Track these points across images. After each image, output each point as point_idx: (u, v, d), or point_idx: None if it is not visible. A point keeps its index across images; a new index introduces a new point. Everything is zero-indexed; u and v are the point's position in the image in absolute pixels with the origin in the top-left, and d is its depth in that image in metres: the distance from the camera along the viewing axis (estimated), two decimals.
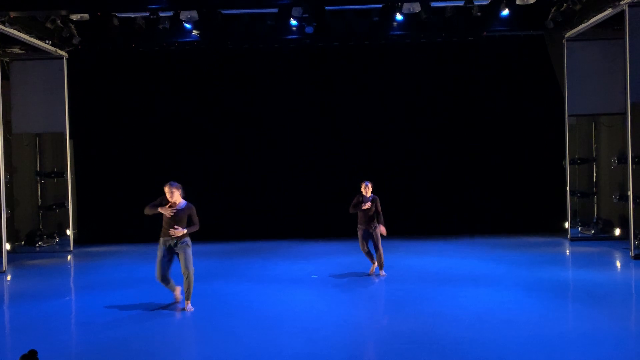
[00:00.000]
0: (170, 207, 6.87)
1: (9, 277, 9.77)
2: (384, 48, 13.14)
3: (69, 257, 11.91)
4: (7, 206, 10.56)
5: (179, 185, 7.05)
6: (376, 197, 8.79)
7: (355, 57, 13.22)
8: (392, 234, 12.63)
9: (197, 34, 12.47)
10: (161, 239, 7.02)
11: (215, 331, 6.23)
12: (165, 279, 7.09)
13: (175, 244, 6.94)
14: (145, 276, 9.02)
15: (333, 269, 9.60)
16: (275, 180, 13.33)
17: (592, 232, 12.28)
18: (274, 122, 13.31)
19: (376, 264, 8.88)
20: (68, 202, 12.92)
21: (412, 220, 13.08)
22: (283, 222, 13.23)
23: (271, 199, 13.29)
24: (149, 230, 12.63)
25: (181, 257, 6.95)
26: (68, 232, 12.89)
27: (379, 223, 8.71)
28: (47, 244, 12.98)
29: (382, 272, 8.82)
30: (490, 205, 13.06)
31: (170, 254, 7.01)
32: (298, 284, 8.49)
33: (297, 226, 13.16)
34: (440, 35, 12.65)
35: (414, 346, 5.45)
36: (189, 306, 7.03)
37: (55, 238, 13.29)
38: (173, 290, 7.29)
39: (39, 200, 13.58)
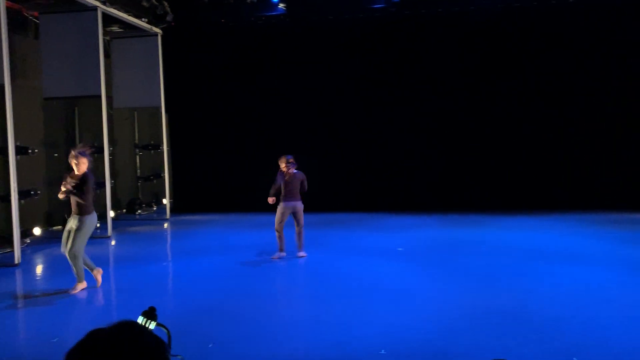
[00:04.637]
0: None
1: (113, 242, 10.51)
2: (482, 13, 12.55)
3: (165, 225, 12.62)
4: (110, 177, 11.31)
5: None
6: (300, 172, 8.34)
7: (446, 24, 12.74)
8: (484, 208, 12.43)
9: (284, 7, 12.56)
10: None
11: (305, 297, 6.39)
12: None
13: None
14: (237, 243, 9.39)
15: (419, 242, 9.51)
16: (362, 152, 13.29)
17: None
18: (363, 94, 13.19)
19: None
20: (164, 173, 13.64)
21: (507, 193, 12.63)
22: (368, 194, 13.24)
23: (358, 171, 13.30)
24: (239, 200, 13.24)
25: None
26: (164, 201, 13.64)
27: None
28: (146, 212, 13.81)
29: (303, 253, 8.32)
30: (591, 178, 12.32)
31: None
32: (384, 256, 8.49)
33: (383, 198, 13.13)
34: None
35: (507, 321, 5.31)
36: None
37: (153, 207, 14.12)
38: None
39: (138, 171, 14.43)
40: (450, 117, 12.82)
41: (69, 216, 6.78)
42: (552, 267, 7.45)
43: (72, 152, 6.64)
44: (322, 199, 13.27)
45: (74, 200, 6.56)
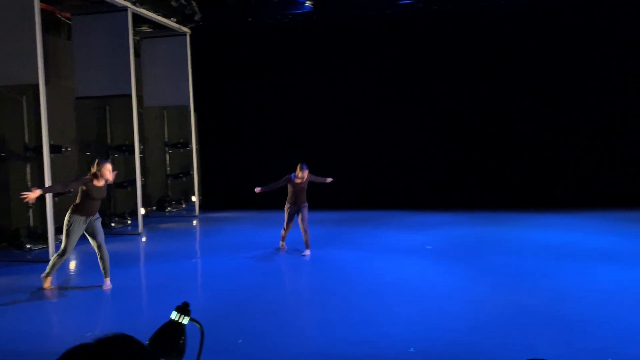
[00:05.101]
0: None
1: (144, 239, 10.70)
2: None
3: (194, 222, 12.79)
4: (141, 174, 11.51)
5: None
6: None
7: (474, 18, 12.60)
8: (511, 206, 12.27)
9: (310, 4, 12.57)
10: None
11: (333, 294, 6.41)
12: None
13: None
14: (265, 240, 9.46)
15: (447, 240, 9.44)
16: (389, 150, 13.24)
17: None
18: (388, 92, 13.16)
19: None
20: (193, 171, 13.81)
21: (534, 191, 12.45)
22: (395, 191, 13.18)
23: (384, 168, 13.26)
24: (266, 198, 13.31)
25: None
26: (193, 198, 13.82)
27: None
28: (176, 209, 14.01)
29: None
30: (620, 175, 12.06)
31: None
32: (411, 254, 8.46)
33: (409, 196, 13.06)
34: None
35: (535, 321, 5.24)
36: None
37: (182, 204, 14.31)
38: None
39: (168, 169, 14.64)
40: (475, 114, 12.67)
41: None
42: (582, 266, 7.32)
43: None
44: (346, 196, 13.29)
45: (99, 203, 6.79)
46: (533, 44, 12.35)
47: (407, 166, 13.08)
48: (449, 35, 12.72)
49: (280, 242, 8.93)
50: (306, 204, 8.53)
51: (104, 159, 7.19)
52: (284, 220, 8.73)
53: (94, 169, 6.69)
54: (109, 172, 6.74)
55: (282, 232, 8.85)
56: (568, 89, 12.26)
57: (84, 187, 6.63)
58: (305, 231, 8.45)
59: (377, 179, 13.27)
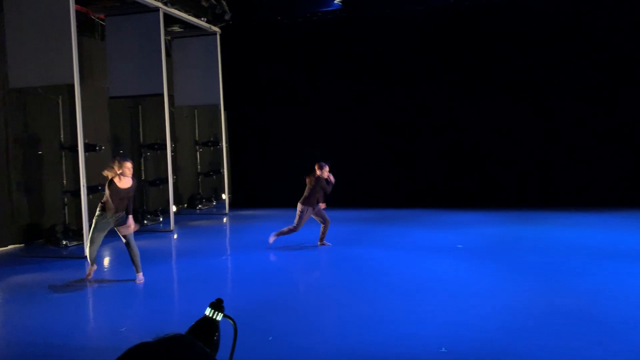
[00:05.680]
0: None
1: (175, 236, 10.85)
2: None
3: (224, 219, 12.90)
4: (172, 172, 11.67)
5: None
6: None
7: (508, 11, 12.39)
8: (542, 205, 12.03)
9: (339, 2, 12.54)
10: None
11: (363, 293, 6.38)
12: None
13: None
14: (294, 239, 9.46)
15: (479, 239, 9.31)
16: (418, 147, 13.14)
17: None
18: (419, 88, 13.03)
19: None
20: (223, 169, 13.94)
21: (570, 189, 12.17)
22: (423, 190, 13.07)
23: (413, 166, 13.16)
24: (295, 196, 13.35)
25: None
26: (223, 196, 13.95)
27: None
28: (206, 207, 14.17)
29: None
30: None
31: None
32: (441, 252, 8.36)
33: (438, 194, 12.93)
34: None
35: (571, 322, 5.12)
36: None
37: (213, 202, 14.46)
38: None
39: (198, 167, 14.82)
40: (509, 111, 12.46)
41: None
42: (621, 266, 7.12)
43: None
44: (374, 194, 13.24)
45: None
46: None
47: (436, 164, 12.95)
48: (484, 30, 12.52)
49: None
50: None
51: (125, 156, 7.41)
52: (299, 222, 8.71)
53: (116, 169, 6.83)
54: (129, 170, 6.91)
55: (287, 231, 8.84)
56: (606, 84, 11.94)
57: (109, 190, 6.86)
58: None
59: (406, 177, 13.17)
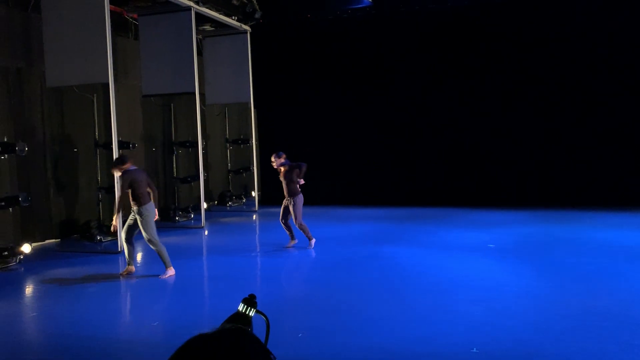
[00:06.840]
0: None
1: (206, 232, 10.98)
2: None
3: (254, 216, 13.00)
4: (203, 170, 11.81)
5: None
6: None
7: (536, 9, 12.15)
8: (576, 204, 11.76)
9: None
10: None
11: (393, 292, 6.35)
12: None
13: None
14: (321, 236, 9.46)
15: (510, 238, 9.16)
16: (449, 146, 12.99)
17: None
18: (450, 87, 12.87)
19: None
20: (253, 167, 14.04)
21: (606, 188, 11.88)
22: (454, 189, 12.93)
23: (444, 165, 13.02)
24: (322, 194, 13.39)
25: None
26: (253, 193, 14.06)
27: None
28: (236, 204, 14.30)
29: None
30: None
31: None
32: (473, 252, 8.25)
33: (471, 193, 12.77)
34: None
35: (607, 324, 5.00)
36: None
37: (243, 199, 14.59)
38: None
39: (229, 164, 14.95)
40: (542, 110, 12.22)
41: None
42: None
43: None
44: (406, 192, 13.14)
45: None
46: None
47: (468, 163, 12.79)
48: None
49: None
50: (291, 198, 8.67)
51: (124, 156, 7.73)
52: (297, 215, 8.63)
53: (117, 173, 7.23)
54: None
55: (304, 228, 8.78)
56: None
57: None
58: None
59: (437, 176, 13.04)
